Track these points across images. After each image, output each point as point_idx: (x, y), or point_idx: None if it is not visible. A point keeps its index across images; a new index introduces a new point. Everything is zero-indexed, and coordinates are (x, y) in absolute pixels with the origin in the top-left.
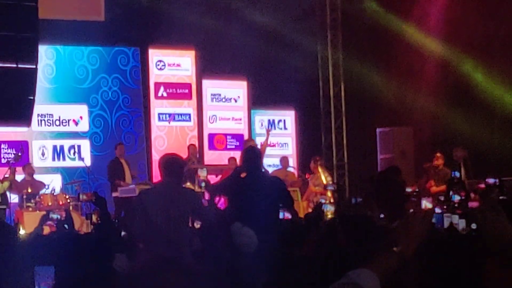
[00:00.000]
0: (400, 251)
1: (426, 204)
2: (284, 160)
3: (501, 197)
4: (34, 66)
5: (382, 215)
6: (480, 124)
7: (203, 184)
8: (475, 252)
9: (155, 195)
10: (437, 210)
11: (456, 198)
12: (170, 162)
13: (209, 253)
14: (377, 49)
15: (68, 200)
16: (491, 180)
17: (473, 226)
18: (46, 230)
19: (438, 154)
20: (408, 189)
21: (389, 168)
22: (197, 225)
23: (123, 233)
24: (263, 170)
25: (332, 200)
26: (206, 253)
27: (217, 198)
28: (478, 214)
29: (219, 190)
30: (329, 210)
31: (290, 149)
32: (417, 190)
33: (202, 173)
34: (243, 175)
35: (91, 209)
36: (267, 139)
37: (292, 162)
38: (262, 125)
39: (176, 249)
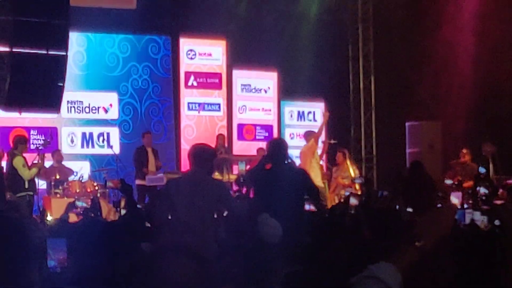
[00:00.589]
0: (423, 246)
1: (453, 199)
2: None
3: None
4: (64, 53)
5: (409, 209)
6: (510, 120)
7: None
8: (495, 249)
9: (181, 184)
10: (465, 206)
11: (482, 191)
12: (200, 152)
13: (233, 243)
14: (408, 43)
15: (96, 188)
16: None
17: (497, 222)
18: (72, 218)
19: (465, 151)
20: (448, 181)
21: (414, 162)
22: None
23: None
24: (289, 161)
25: (359, 193)
26: (230, 243)
27: (244, 189)
28: (502, 211)
29: (245, 180)
30: (354, 203)
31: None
32: (456, 182)
33: (241, 166)
34: (268, 166)
35: (118, 196)
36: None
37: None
38: (291, 116)
39: (199, 238)
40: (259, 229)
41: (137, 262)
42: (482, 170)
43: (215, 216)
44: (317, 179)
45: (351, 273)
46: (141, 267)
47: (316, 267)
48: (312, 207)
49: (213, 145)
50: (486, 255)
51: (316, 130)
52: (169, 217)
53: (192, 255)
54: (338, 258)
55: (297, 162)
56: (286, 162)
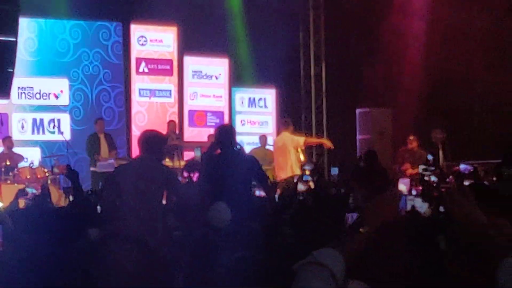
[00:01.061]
0: (367, 232)
1: (401, 186)
2: (262, 138)
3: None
4: (14, 39)
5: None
6: (460, 107)
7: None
8: (436, 236)
9: (129, 170)
10: (413, 192)
11: (432, 179)
12: (150, 138)
13: (182, 230)
14: (359, 30)
15: (47, 174)
16: (462, 167)
17: (441, 209)
18: (22, 204)
19: (411, 137)
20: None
21: (369, 151)
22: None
23: (99, 207)
24: (238, 147)
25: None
26: (179, 229)
27: (193, 175)
28: (446, 197)
29: (194, 166)
30: (302, 189)
31: (270, 128)
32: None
33: (197, 153)
34: (217, 152)
35: (69, 183)
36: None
37: (272, 140)
38: (242, 102)
39: (147, 225)
40: (208, 214)
41: (83, 249)
42: (430, 157)
43: (164, 202)
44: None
45: (297, 259)
46: (87, 254)
47: (263, 253)
48: (262, 193)
49: (164, 132)
50: (428, 242)
51: (269, 120)
52: (117, 203)
53: (139, 243)
54: (285, 244)
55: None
56: (235, 148)
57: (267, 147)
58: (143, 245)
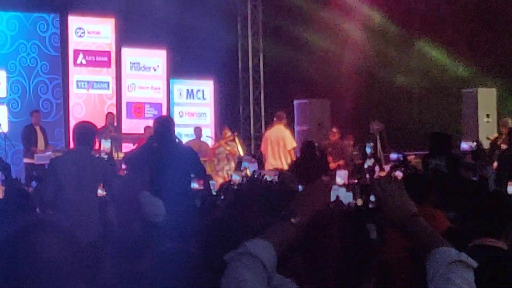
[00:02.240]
0: (298, 222)
1: (338, 178)
2: (197, 130)
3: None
4: None
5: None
6: (398, 98)
7: (105, 156)
8: (361, 225)
9: (67, 162)
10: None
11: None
12: (82, 130)
13: (119, 222)
14: (297, 22)
15: None
16: (393, 156)
17: (372, 198)
18: None
19: (334, 130)
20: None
21: (306, 142)
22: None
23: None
24: (176, 140)
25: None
26: (116, 222)
27: (130, 167)
28: (375, 186)
29: (131, 159)
30: (237, 180)
31: (208, 119)
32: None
33: (106, 145)
34: (155, 144)
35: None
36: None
37: (210, 132)
38: (180, 94)
39: (85, 216)
40: (142, 208)
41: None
42: (368, 150)
43: (105, 194)
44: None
45: (232, 249)
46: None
47: (195, 245)
48: (198, 186)
49: (102, 124)
50: (355, 231)
51: (207, 112)
52: (55, 195)
53: (68, 234)
54: (222, 233)
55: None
56: (173, 140)
57: (202, 139)
58: (72, 237)
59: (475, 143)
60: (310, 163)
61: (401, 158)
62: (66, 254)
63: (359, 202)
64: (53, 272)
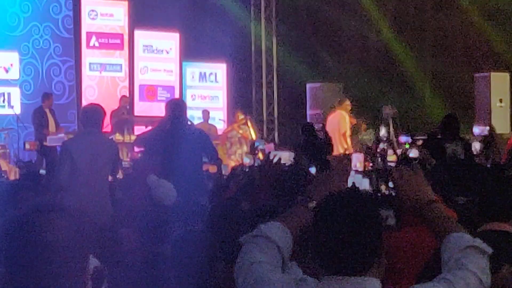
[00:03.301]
0: (315, 206)
1: (357, 161)
2: (205, 113)
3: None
4: None
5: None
6: (409, 83)
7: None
8: (375, 211)
9: (80, 144)
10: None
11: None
12: (90, 112)
13: (131, 204)
14: (311, 6)
15: None
16: (403, 138)
17: (391, 184)
18: None
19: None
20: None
21: (306, 125)
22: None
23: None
24: (189, 123)
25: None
26: (126, 205)
27: (142, 150)
28: (395, 174)
29: (144, 141)
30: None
31: (220, 103)
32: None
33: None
34: (167, 127)
35: (19, 157)
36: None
37: (223, 115)
38: (193, 77)
39: (98, 197)
40: (153, 191)
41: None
42: (382, 132)
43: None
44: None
45: (245, 232)
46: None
47: (211, 227)
48: (213, 168)
49: (115, 106)
50: (371, 217)
51: (220, 95)
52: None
53: (83, 216)
54: (234, 217)
55: None
56: (185, 123)
57: (212, 122)
58: (81, 219)
59: (488, 128)
60: (313, 144)
61: (410, 141)
62: (75, 235)
63: (383, 188)
64: (61, 253)
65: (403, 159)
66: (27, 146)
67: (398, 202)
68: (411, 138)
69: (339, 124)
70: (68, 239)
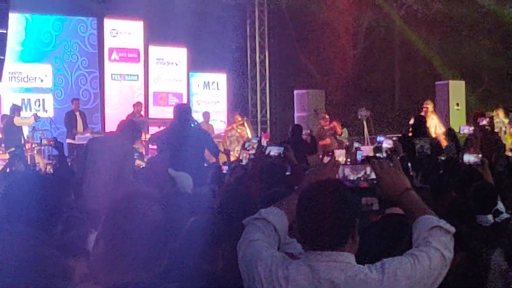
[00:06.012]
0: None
1: (338, 156)
2: (205, 115)
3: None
4: (5, 31)
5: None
6: (381, 89)
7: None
8: (349, 198)
9: (99, 143)
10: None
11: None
12: (128, 125)
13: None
14: (297, 23)
15: (33, 145)
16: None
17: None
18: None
19: (326, 116)
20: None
21: (295, 126)
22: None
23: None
24: (195, 123)
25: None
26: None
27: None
28: (376, 166)
29: (156, 139)
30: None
31: (221, 106)
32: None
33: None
34: (175, 127)
35: (52, 152)
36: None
37: (224, 117)
38: (198, 85)
39: (114, 187)
40: (176, 181)
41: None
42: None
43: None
44: None
45: (237, 218)
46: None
47: (216, 215)
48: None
49: (131, 110)
50: (344, 201)
51: (221, 100)
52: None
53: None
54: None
55: None
56: (191, 124)
57: (211, 122)
58: (152, 197)
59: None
60: (299, 143)
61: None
62: (162, 217)
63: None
64: (156, 232)
65: (377, 150)
66: (44, 141)
67: (380, 190)
68: (384, 136)
69: (437, 126)
70: (159, 220)
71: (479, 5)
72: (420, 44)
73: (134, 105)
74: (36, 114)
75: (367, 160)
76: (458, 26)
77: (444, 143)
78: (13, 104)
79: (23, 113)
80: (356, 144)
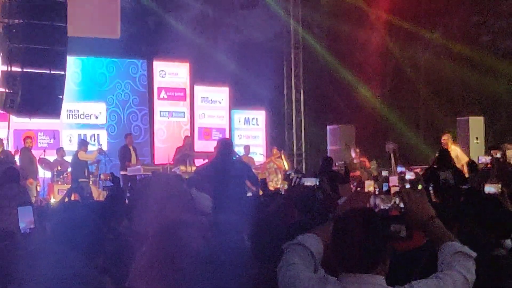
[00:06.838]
0: (335, 218)
1: (368, 186)
2: (246, 148)
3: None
4: (63, 72)
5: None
6: (407, 124)
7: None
8: (381, 225)
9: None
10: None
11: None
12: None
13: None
14: (329, 64)
15: (90, 177)
16: (400, 169)
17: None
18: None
19: (357, 150)
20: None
21: (326, 158)
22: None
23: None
24: (236, 156)
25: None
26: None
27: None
28: (404, 194)
29: (201, 171)
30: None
31: (260, 141)
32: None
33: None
34: (218, 160)
35: (106, 183)
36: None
37: (262, 150)
38: (239, 121)
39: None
40: (196, 200)
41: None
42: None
43: None
44: None
45: (275, 242)
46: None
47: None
48: (253, 191)
49: (179, 144)
50: (375, 228)
51: (260, 135)
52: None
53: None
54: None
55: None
56: (233, 157)
57: (250, 155)
58: (192, 226)
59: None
60: (329, 173)
61: (404, 170)
62: (203, 243)
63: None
64: (196, 259)
65: (402, 181)
66: (102, 177)
67: (407, 218)
68: (405, 168)
69: (460, 157)
70: (200, 246)
71: (497, 48)
72: (443, 83)
73: (184, 139)
74: (101, 148)
75: (397, 193)
76: (479, 67)
77: (467, 174)
78: (80, 138)
79: (74, 147)
80: (384, 173)
